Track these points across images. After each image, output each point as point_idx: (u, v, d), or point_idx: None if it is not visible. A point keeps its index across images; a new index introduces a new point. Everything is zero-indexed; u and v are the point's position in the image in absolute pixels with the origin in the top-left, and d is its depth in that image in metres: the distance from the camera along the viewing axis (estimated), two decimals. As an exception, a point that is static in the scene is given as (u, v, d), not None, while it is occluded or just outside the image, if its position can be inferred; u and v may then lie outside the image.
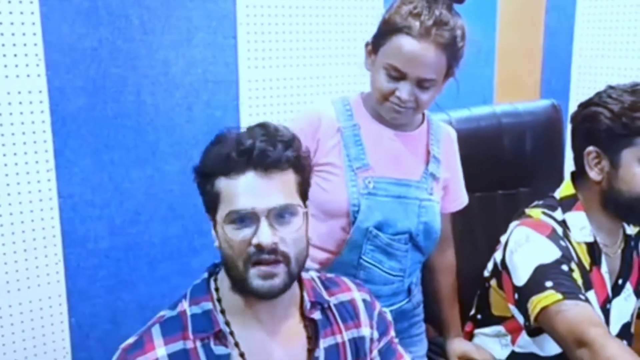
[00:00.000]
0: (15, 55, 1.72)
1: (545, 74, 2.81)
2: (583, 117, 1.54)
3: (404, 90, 1.38)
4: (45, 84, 1.78)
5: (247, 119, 2.10)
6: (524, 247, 1.49)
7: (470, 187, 1.86)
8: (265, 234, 1.05)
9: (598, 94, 1.53)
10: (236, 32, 2.05)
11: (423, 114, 1.56)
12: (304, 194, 1.13)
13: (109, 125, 1.90)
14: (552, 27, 2.78)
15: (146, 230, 2.01)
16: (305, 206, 1.13)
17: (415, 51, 1.35)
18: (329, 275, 1.26)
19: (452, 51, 1.39)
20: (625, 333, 1.63)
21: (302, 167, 1.12)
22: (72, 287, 1.91)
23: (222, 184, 1.07)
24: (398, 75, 1.38)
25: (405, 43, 1.35)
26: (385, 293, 1.51)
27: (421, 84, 1.38)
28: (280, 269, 1.07)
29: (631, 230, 1.63)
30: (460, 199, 1.63)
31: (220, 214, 1.08)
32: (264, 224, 1.05)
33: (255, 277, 1.06)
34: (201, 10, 2.00)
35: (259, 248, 1.05)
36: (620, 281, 1.60)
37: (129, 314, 1.99)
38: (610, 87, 1.52)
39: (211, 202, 1.10)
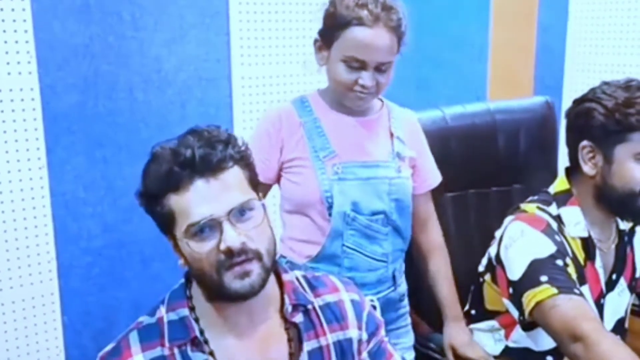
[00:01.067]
0: (6, 52, 1.71)
1: (538, 70, 2.81)
2: (577, 112, 1.54)
3: (366, 78, 1.43)
4: (36, 82, 1.77)
5: (240, 116, 2.09)
6: (519, 242, 1.50)
7: (464, 184, 1.86)
8: (231, 237, 1.02)
9: (592, 90, 1.53)
10: (229, 29, 2.05)
11: (382, 101, 1.61)
12: (255, 188, 1.11)
13: (101, 122, 1.89)
14: (546, 24, 2.78)
15: (139, 228, 2.00)
16: (260, 198, 1.11)
17: (370, 39, 1.40)
18: (317, 274, 1.25)
19: (400, 32, 1.45)
20: (619, 328, 1.64)
21: (247, 161, 1.10)
22: (65, 285, 1.91)
23: (172, 201, 1.04)
24: (358, 65, 1.43)
25: (359, 33, 1.41)
26: (371, 280, 1.53)
27: (380, 68, 1.44)
28: (254, 266, 1.05)
29: (624, 225, 1.63)
30: (432, 177, 1.65)
31: (179, 231, 1.05)
32: (226, 227, 1.03)
33: (232, 281, 1.04)
34: (193, 7, 1.99)
35: (229, 253, 1.03)
36: (614, 276, 1.61)
37: (122, 312, 1.99)
38: (605, 83, 1.53)
39: (165, 223, 1.07)
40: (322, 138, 1.50)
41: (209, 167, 1.03)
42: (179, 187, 1.03)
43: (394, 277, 1.59)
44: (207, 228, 1.03)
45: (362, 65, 1.42)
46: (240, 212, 1.05)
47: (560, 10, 2.72)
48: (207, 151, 1.04)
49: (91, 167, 1.90)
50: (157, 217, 1.08)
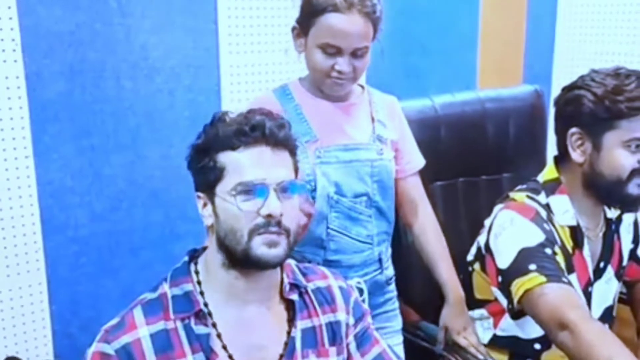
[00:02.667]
0: (-9, 39, 1.69)
1: (528, 59, 2.81)
2: (566, 100, 1.55)
3: (342, 64, 1.46)
4: (22, 69, 1.75)
5: (229, 105, 2.08)
6: (508, 230, 1.50)
7: (453, 172, 1.86)
8: (275, 205, 1.09)
9: (581, 78, 1.54)
10: (217, 17, 2.03)
11: (363, 87, 1.63)
12: (296, 176, 1.19)
13: (88, 110, 1.88)
14: (535, 13, 2.78)
15: (127, 216, 1.99)
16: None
17: (345, 25, 1.43)
18: (307, 264, 1.31)
19: (375, 17, 1.47)
20: (607, 316, 1.65)
21: (296, 152, 1.19)
22: (53, 274, 1.89)
23: (228, 157, 1.11)
24: (334, 51, 1.46)
25: (334, 20, 1.44)
26: (356, 262, 1.57)
27: (355, 53, 1.46)
28: (283, 240, 1.12)
29: (612, 214, 1.64)
30: (415, 160, 1.67)
31: (224, 187, 1.11)
32: (272, 195, 1.10)
33: (260, 245, 1.10)
34: (181, -5, 1.97)
35: (268, 218, 1.09)
36: (601, 264, 1.62)
37: (110, 301, 1.98)
38: (594, 71, 1.54)
39: (210, 178, 1.12)
40: (303, 124, 1.52)
41: (274, 138, 1.12)
42: (240, 146, 1.11)
43: (380, 260, 1.61)
44: (255, 190, 1.10)
45: (337, 51, 1.45)
46: (286, 189, 1.12)
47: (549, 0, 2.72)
48: (277, 126, 1.13)
49: (78, 155, 1.88)
50: (202, 171, 1.13)
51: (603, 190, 1.52)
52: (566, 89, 1.57)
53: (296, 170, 1.18)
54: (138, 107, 1.95)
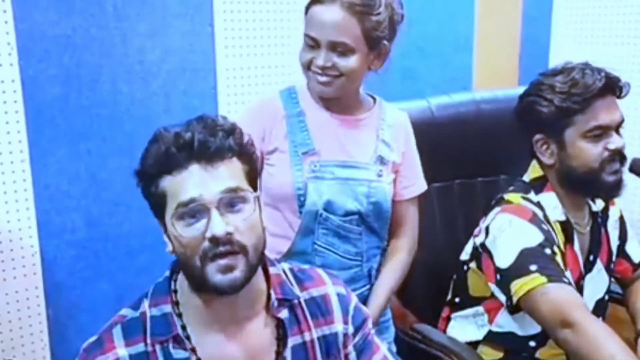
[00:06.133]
0: (-14, 44, 1.69)
1: (523, 60, 2.82)
2: (522, 109, 1.60)
3: (319, 57, 1.42)
4: (18, 73, 1.75)
5: (225, 108, 2.08)
6: (508, 232, 1.52)
7: (450, 174, 1.86)
8: (217, 225, 1.01)
9: (532, 83, 1.59)
10: (213, 20, 2.03)
11: (374, 99, 1.58)
12: (253, 182, 1.11)
13: (84, 114, 1.87)
14: (530, 14, 2.78)
15: (124, 220, 1.99)
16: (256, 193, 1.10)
17: (322, 15, 1.41)
18: (304, 266, 1.24)
19: (366, 17, 1.41)
20: (600, 309, 1.67)
21: (247, 155, 1.10)
22: (50, 279, 1.89)
23: (167, 182, 1.05)
24: (313, 44, 1.43)
25: (316, 11, 1.42)
26: (343, 279, 1.47)
27: (335, 48, 1.41)
28: (239, 260, 1.04)
29: (596, 207, 1.67)
30: (415, 185, 1.61)
31: (169, 212, 1.05)
32: (214, 214, 1.02)
33: (214, 273, 1.03)
34: (177, -2, 1.97)
35: (214, 241, 1.02)
36: (591, 257, 1.64)
37: (107, 305, 1.97)
38: (542, 74, 1.60)
39: (158, 204, 1.07)
40: (303, 133, 1.49)
41: (206, 154, 1.04)
42: (174, 169, 1.04)
43: (369, 276, 1.56)
44: (196, 213, 1.03)
45: (315, 44, 1.42)
46: (230, 203, 1.04)
47: (545, 1, 2.72)
48: (207, 137, 1.04)
49: (75, 159, 1.88)
50: (151, 198, 1.08)
51: (579, 184, 1.56)
52: (520, 98, 1.61)
53: (251, 173, 1.10)
54: (134, 111, 1.95)
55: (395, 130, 1.57)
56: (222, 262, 1.03)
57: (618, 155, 1.53)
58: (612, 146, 1.51)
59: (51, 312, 1.91)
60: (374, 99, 1.59)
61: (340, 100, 1.51)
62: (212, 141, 1.04)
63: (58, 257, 1.90)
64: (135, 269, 2.02)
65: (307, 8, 1.45)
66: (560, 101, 1.51)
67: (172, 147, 1.04)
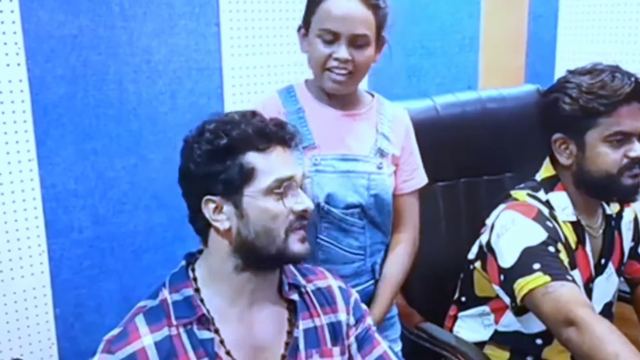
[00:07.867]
0: (-6, 44, 1.70)
1: (529, 59, 2.81)
2: (545, 105, 1.58)
3: (340, 50, 1.43)
4: (25, 73, 1.75)
5: (232, 107, 2.08)
6: (511, 231, 1.51)
7: (455, 173, 1.86)
8: (308, 200, 1.16)
9: (558, 80, 1.56)
10: (219, 19, 2.03)
11: (373, 95, 1.59)
12: None
13: (90, 114, 1.88)
14: (536, 12, 2.78)
15: (131, 219, 1.99)
16: None
17: (343, 9, 1.42)
18: (305, 265, 1.29)
19: (378, 10, 1.46)
20: (606, 312, 1.66)
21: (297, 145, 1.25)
22: (57, 277, 1.90)
23: (256, 158, 1.13)
24: (332, 38, 1.43)
25: (333, 4, 1.43)
26: (346, 273, 1.51)
27: (355, 41, 1.43)
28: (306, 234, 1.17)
29: (611, 210, 1.65)
30: (415, 179, 1.61)
31: (256, 187, 1.12)
32: (301, 192, 1.16)
33: (295, 243, 1.14)
34: (183, -3, 1.98)
35: (304, 214, 1.15)
36: (602, 261, 1.62)
37: (114, 304, 1.99)
38: (569, 72, 1.56)
39: (234, 179, 1.11)
40: (304, 129, 1.50)
41: (292, 139, 1.18)
42: (265, 147, 1.14)
43: (373, 271, 1.57)
44: (288, 189, 1.14)
45: (335, 38, 1.43)
46: (302, 184, 1.18)
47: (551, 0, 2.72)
48: (290, 128, 1.19)
49: (81, 158, 1.89)
50: (221, 173, 1.12)
51: (595, 187, 1.54)
52: (544, 94, 1.59)
53: None
54: (141, 110, 1.96)
55: (394, 125, 1.58)
56: (303, 232, 1.15)
57: (638, 164, 1.50)
58: (632, 154, 1.48)
59: (58, 310, 1.92)
60: (372, 96, 1.60)
61: (343, 95, 1.53)
62: (293, 132, 1.19)
63: (65, 256, 1.91)
64: (142, 268, 2.03)
65: (317, 3, 1.45)
66: (586, 101, 1.48)
67: (266, 128, 1.14)
